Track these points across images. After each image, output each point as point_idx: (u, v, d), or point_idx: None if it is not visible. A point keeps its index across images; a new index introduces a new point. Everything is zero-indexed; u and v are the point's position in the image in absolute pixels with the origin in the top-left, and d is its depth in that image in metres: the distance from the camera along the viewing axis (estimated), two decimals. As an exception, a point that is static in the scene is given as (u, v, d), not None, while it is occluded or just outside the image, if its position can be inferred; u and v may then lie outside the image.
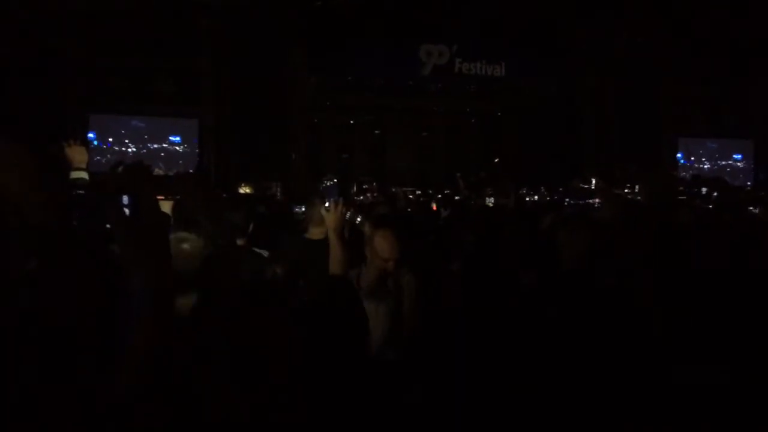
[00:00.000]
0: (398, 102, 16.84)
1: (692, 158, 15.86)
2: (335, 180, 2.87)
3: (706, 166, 15.84)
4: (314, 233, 3.46)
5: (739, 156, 16.16)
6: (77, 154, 2.64)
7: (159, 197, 1.77)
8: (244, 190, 9.15)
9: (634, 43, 13.86)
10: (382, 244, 2.78)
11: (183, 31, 12.52)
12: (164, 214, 1.69)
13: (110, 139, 13.32)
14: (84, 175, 2.62)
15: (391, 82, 15.19)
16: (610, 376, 2.14)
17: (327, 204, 2.67)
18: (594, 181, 3.16)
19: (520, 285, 2.56)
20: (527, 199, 6.70)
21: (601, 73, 14.58)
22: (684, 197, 4.48)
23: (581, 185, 3.49)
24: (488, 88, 15.18)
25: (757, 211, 5.00)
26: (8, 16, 10.31)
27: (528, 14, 13.33)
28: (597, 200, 3.10)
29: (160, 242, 1.29)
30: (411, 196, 10.01)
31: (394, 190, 9.51)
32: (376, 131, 19.23)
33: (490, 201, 6.90)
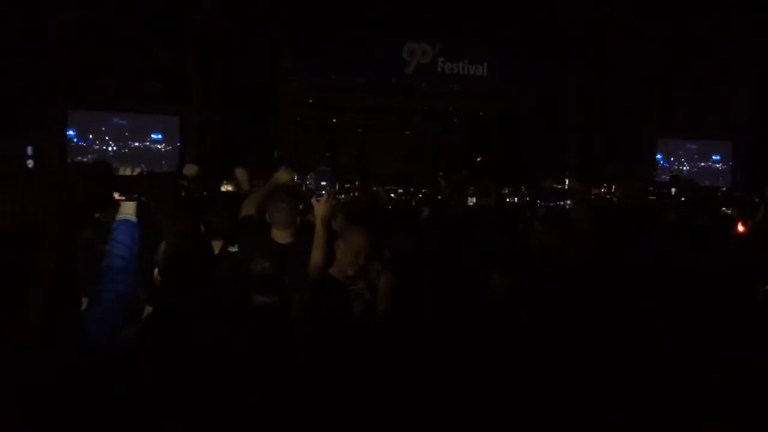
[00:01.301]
0: (382, 101, 16.83)
1: (672, 159, 16.04)
2: (329, 171, 2.87)
3: (685, 168, 16.03)
4: (278, 236, 3.12)
5: (718, 157, 16.36)
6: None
7: (121, 198, 1.77)
8: (227, 188, 9.09)
9: (617, 45, 13.99)
10: (354, 238, 2.78)
11: (170, 28, 12.43)
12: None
13: (90, 137, 13.15)
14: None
15: (375, 81, 15.19)
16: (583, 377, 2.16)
17: (317, 194, 2.72)
18: (567, 181, 3.19)
19: (491, 285, 2.58)
20: (507, 199, 6.73)
21: (584, 74, 14.71)
22: (653, 197, 4.54)
23: (555, 185, 3.53)
24: (471, 87, 15.24)
25: (729, 211, 5.10)
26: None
27: (511, 14, 13.41)
28: (569, 201, 3.13)
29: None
30: (393, 195, 10.02)
31: (375, 188, 9.53)
32: (360, 130, 19.22)
33: (471, 201, 6.93)
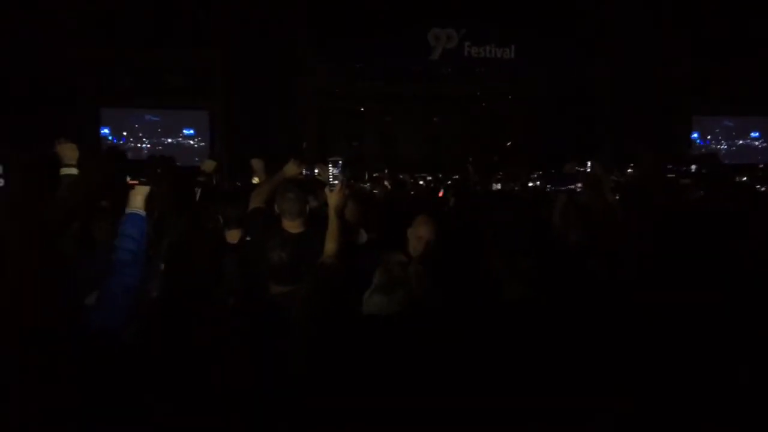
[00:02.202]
0: (408, 88, 16.71)
1: (709, 137, 15.53)
2: (340, 161, 2.86)
3: (723, 146, 15.49)
4: (289, 226, 3.11)
5: (757, 134, 15.76)
6: (67, 151, 2.67)
7: (133, 182, 1.80)
8: (256, 180, 9.18)
9: (647, 23, 13.60)
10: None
11: (191, 23, 12.56)
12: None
13: (124, 134, 13.39)
14: (74, 171, 2.65)
15: (400, 68, 15.09)
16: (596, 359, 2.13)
17: (330, 183, 2.72)
18: (588, 164, 3.12)
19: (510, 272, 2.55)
20: (530, 184, 6.64)
21: (614, 54, 14.35)
22: (672, 176, 4.41)
23: (577, 168, 3.46)
24: (498, 71, 15.02)
25: (764, 189, 4.92)
26: (17, 14, 10.40)
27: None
28: (579, 185, 3.06)
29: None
30: (421, 183, 9.98)
31: (401, 176, 9.49)
32: (387, 118, 19.13)
33: (496, 186, 6.86)
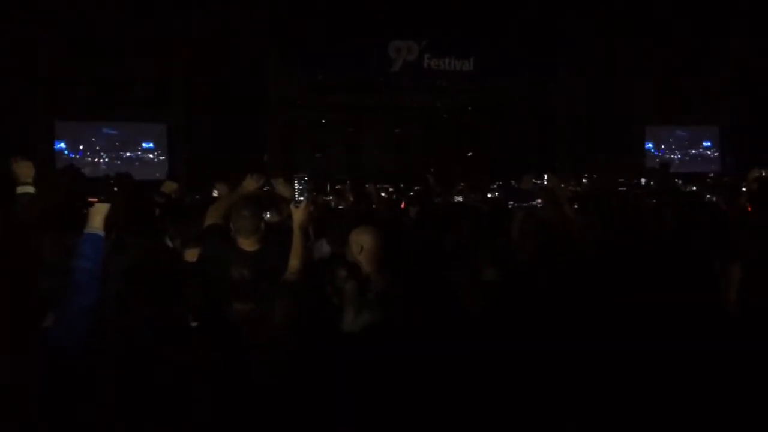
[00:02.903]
0: (370, 99, 16.81)
1: (663, 147, 15.98)
2: (306, 178, 2.88)
3: (677, 156, 15.92)
4: (245, 244, 3.10)
5: (709, 143, 16.27)
6: (23, 169, 2.62)
7: (93, 200, 1.77)
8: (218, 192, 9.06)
9: (601, 36, 14.01)
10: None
11: (153, 33, 12.38)
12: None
13: (81, 148, 13.00)
14: (30, 189, 2.60)
15: (362, 79, 15.18)
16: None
17: (296, 200, 2.74)
18: (546, 178, 3.19)
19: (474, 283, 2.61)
20: (489, 195, 6.75)
21: (571, 65, 14.73)
22: (624, 188, 4.57)
23: (534, 181, 3.54)
24: (458, 83, 15.25)
25: (714, 199, 5.11)
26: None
27: (495, 9, 13.42)
28: (539, 201, 3.15)
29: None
30: (383, 194, 10.01)
31: (367, 186, 9.51)
32: (350, 129, 19.18)
33: (458, 198, 6.93)
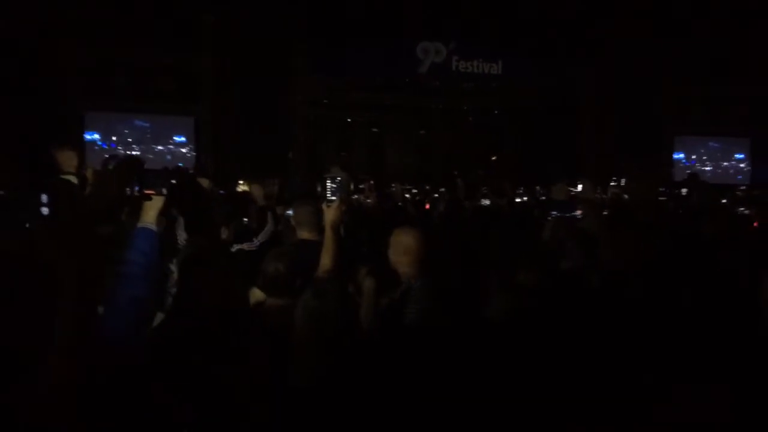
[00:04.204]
0: (396, 100, 16.83)
1: (693, 158, 15.65)
2: (339, 178, 2.90)
3: (708, 167, 15.57)
4: (305, 235, 3.44)
5: (742, 155, 15.90)
6: (66, 159, 2.67)
7: (150, 192, 1.79)
8: (243, 188, 9.14)
9: (632, 42, 13.84)
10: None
11: (184, 29, 12.50)
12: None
13: (114, 139, 13.09)
14: (72, 179, 2.64)
15: (389, 80, 15.20)
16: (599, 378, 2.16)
17: (328, 200, 2.76)
18: (580, 187, 3.17)
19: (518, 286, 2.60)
20: (517, 200, 6.72)
21: (600, 72, 14.58)
22: (664, 198, 4.50)
23: (568, 188, 3.51)
24: (485, 86, 15.19)
25: (747, 212, 5.02)
26: (3, 9, 10.25)
27: (524, 12, 13.34)
28: (580, 212, 3.12)
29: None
30: (407, 195, 10.01)
31: (393, 187, 9.51)
32: (375, 129, 19.22)
33: (485, 201, 6.91)
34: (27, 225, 1.30)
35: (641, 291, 2.43)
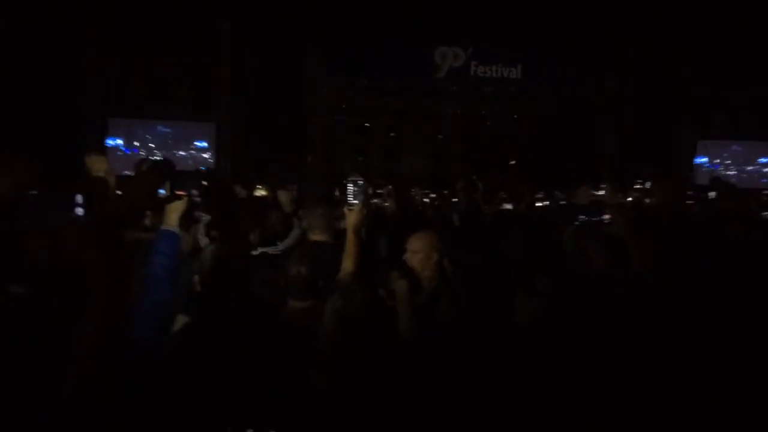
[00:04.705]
0: (414, 105, 16.87)
1: (717, 162, 15.39)
2: (361, 181, 2.92)
3: (732, 172, 15.28)
4: (317, 237, 3.55)
5: (765, 159, 15.60)
6: (95, 163, 2.71)
7: (180, 193, 1.80)
8: (261, 192, 9.19)
9: (652, 46, 13.71)
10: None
11: (202, 35, 12.64)
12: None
13: (136, 144, 13.23)
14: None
15: (407, 85, 15.22)
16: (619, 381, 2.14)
17: (350, 203, 2.78)
18: (604, 191, 3.14)
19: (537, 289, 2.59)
20: (536, 204, 6.66)
21: (619, 76, 14.46)
22: (692, 202, 4.44)
23: (591, 192, 3.48)
24: (504, 90, 15.13)
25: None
26: (27, 16, 10.43)
27: (543, 17, 13.28)
28: (607, 216, 3.09)
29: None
30: (426, 200, 9.98)
31: (412, 191, 9.49)
32: (392, 134, 19.26)
33: (506, 206, 6.87)
34: (59, 225, 1.32)
35: (669, 297, 2.40)
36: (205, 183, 1.85)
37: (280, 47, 12.73)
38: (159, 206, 1.73)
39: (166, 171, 1.67)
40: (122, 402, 1.26)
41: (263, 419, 1.60)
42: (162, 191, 1.74)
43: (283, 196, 5.26)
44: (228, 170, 12.72)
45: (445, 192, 11.40)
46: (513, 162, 17.88)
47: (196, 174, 1.95)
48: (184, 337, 1.86)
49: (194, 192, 1.80)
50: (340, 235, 3.33)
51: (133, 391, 1.30)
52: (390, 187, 11.03)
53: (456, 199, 9.01)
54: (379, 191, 11.73)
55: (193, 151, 13.49)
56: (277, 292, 2.98)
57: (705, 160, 15.21)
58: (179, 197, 1.78)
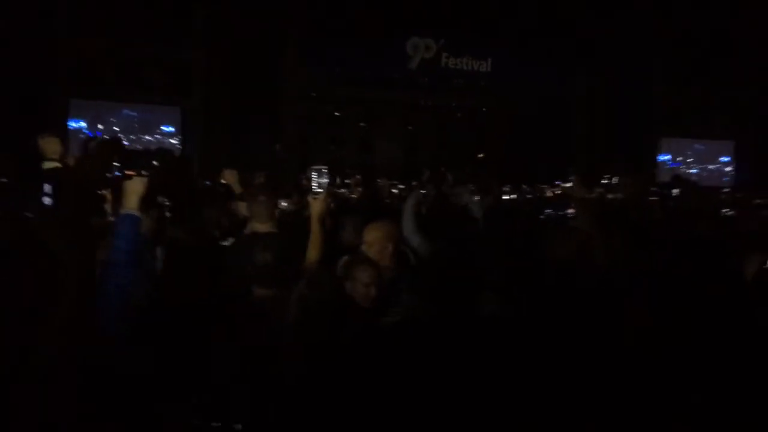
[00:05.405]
0: (386, 95, 16.82)
1: (679, 160, 15.78)
2: (325, 170, 2.90)
3: (694, 170, 15.68)
4: (259, 227, 3.29)
5: (727, 158, 16.05)
6: (50, 145, 2.64)
7: (130, 173, 1.77)
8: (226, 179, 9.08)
9: (622, 43, 13.94)
10: None
11: (175, 21, 12.40)
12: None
13: (100, 128, 12.87)
14: (57, 165, 2.61)
15: (379, 75, 15.16)
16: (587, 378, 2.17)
17: (314, 191, 2.77)
18: (571, 184, 3.18)
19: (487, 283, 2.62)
20: (503, 197, 6.73)
21: (588, 71, 14.66)
22: (656, 198, 4.54)
23: (556, 188, 3.53)
24: (474, 83, 15.20)
25: (732, 214, 5.07)
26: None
27: (516, 11, 13.38)
28: (571, 210, 3.12)
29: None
30: (395, 190, 10.00)
31: (379, 181, 9.50)
32: (363, 124, 19.21)
33: (475, 198, 6.91)
34: (28, 214, 1.29)
35: (641, 293, 2.44)
36: (155, 163, 1.81)
37: (254, 35, 12.58)
38: (111, 185, 1.70)
39: (114, 149, 1.64)
40: (87, 381, 1.25)
41: (229, 409, 1.60)
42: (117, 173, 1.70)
43: (230, 177, 5.00)
44: (195, 157, 12.53)
45: (414, 183, 11.44)
46: (481, 155, 18.00)
47: (146, 153, 1.91)
48: (146, 322, 1.84)
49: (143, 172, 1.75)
50: (284, 223, 3.31)
51: (100, 372, 1.29)
52: (358, 177, 11.05)
53: (424, 191, 9.06)
54: (347, 181, 11.74)
55: (159, 136, 13.23)
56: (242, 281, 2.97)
57: (668, 157, 15.56)
58: (128, 176, 1.74)
